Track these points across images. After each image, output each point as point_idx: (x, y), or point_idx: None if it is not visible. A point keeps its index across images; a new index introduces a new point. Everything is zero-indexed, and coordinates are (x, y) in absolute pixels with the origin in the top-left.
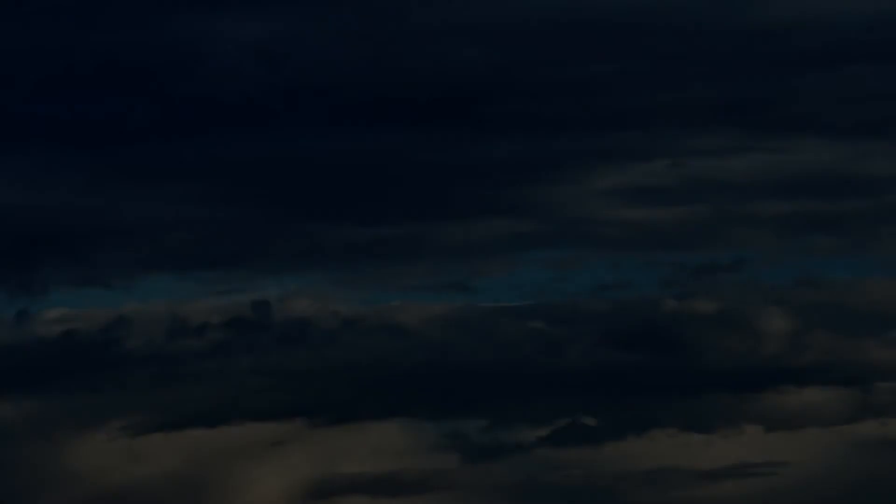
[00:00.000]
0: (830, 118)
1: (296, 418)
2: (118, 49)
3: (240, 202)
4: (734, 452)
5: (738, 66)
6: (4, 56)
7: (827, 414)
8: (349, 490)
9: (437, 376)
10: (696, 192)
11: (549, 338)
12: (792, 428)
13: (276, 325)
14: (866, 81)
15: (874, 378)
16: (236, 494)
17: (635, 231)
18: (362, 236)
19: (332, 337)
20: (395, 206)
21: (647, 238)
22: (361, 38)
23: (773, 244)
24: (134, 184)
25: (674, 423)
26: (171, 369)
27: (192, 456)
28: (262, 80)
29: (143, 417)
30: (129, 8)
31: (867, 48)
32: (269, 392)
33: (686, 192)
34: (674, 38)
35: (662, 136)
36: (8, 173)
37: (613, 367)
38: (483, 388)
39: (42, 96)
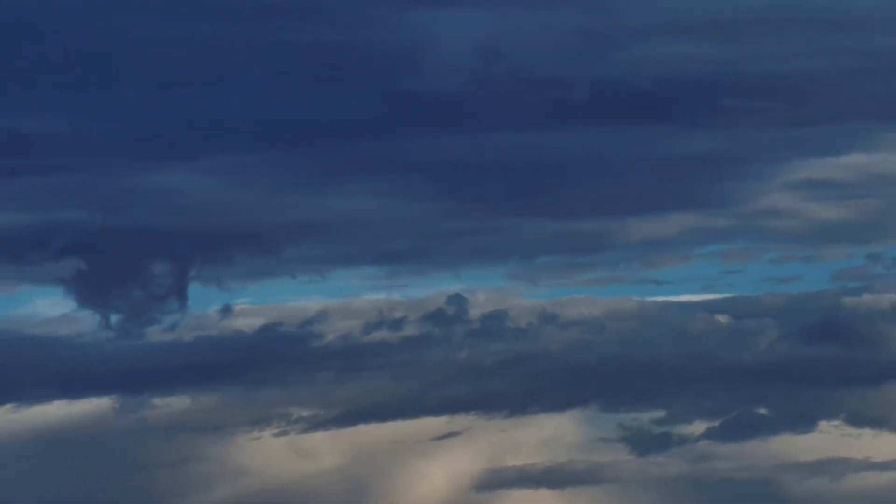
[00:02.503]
0: None
1: (470, 412)
2: (337, 46)
3: (430, 196)
4: None
5: None
6: (230, 55)
7: None
8: (516, 483)
9: (616, 369)
10: (877, 187)
11: (731, 331)
12: None
13: (468, 319)
14: None
15: None
16: (402, 488)
17: (815, 225)
18: (548, 230)
19: (518, 331)
20: (585, 201)
21: (827, 232)
22: (574, 35)
23: None
24: (340, 179)
25: (843, 414)
26: (359, 364)
27: (362, 450)
28: (479, 75)
29: (320, 412)
30: (349, 5)
31: None
32: (449, 386)
33: (867, 187)
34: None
35: (853, 131)
36: (218, 171)
37: (792, 360)
38: (660, 381)
39: (259, 95)
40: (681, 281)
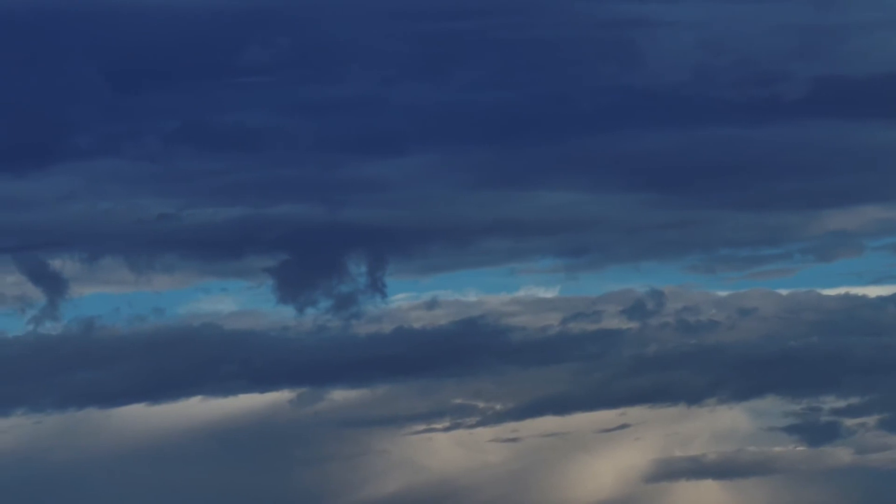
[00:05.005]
0: None
1: (645, 404)
2: (555, 43)
3: (627, 191)
4: None
5: None
6: (450, 53)
7: None
8: (686, 474)
9: (794, 361)
10: None
11: None
12: None
13: (654, 312)
14: None
15: None
16: (571, 480)
17: None
18: (731, 223)
19: (698, 323)
20: (774, 195)
21: None
22: (796, 30)
23: None
24: (544, 174)
25: None
26: (545, 357)
27: (533, 444)
28: (699, 70)
29: (497, 405)
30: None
31: None
32: (628, 379)
33: None
34: None
35: None
36: (426, 165)
37: None
38: (837, 372)
39: (475, 92)
40: (859, 273)
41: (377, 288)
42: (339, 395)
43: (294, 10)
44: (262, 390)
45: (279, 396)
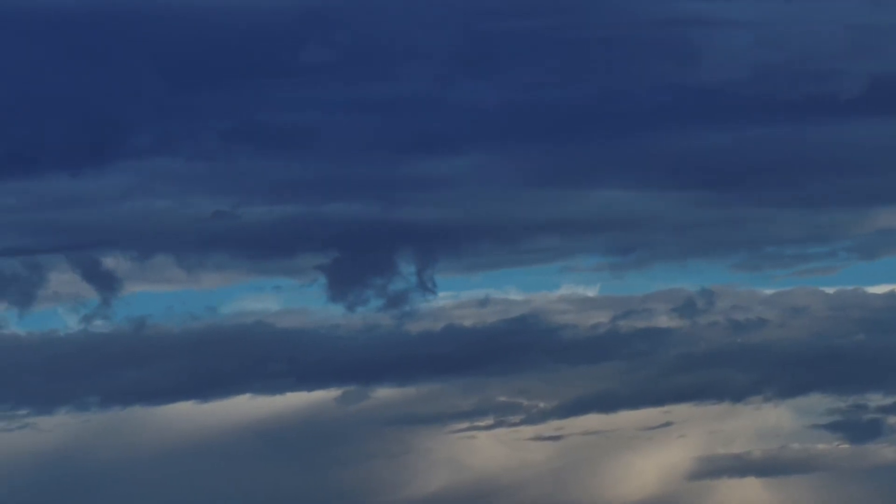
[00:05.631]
0: None
1: (689, 402)
2: (610, 40)
3: (677, 189)
4: None
5: None
6: (505, 51)
7: None
8: (729, 472)
9: (839, 359)
10: None
11: None
12: None
13: (702, 311)
14: None
15: None
16: (613, 478)
17: None
18: (777, 221)
19: (745, 321)
20: (822, 194)
21: None
22: (851, 28)
23: None
24: (595, 172)
25: None
26: (593, 355)
27: (576, 441)
28: (755, 68)
29: (542, 403)
30: None
31: None
32: (673, 377)
33: None
34: None
35: None
36: (479, 164)
37: None
38: (882, 370)
39: (530, 90)
40: None
41: (427, 286)
42: (384, 394)
43: (351, 8)
44: (310, 388)
45: (325, 395)
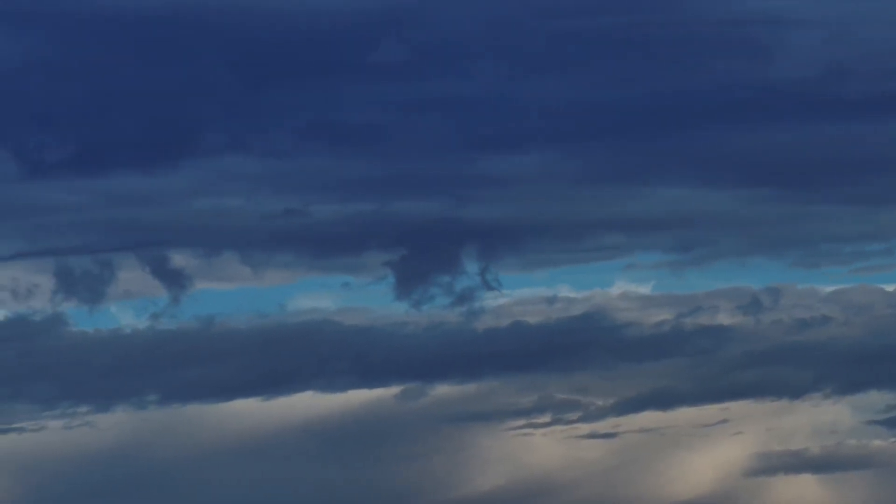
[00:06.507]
0: None
1: (747, 399)
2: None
3: (735, 186)
4: None
5: None
6: (577, 48)
7: None
8: (785, 468)
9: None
10: None
11: None
12: None
13: (773, 309)
14: None
15: None
16: (671, 473)
17: None
18: (835, 219)
19: (803, 319)
20: (880, 192)
21: None
22: None
23: None
24: (659, 168)
25: None
26: (655, 352)
27: (633, 439)
28: (828, 64)
29: (600, 401)
30: None
31: None
32: (731, 374)
33: None
34: None
35: None
36: (542, 161)
37: None
38: None
39: (596, 87)
40: None
41: (492, 283)
42: (443, 391)
43: (422, 8)
44: (372, 386)
45: (385, 392)
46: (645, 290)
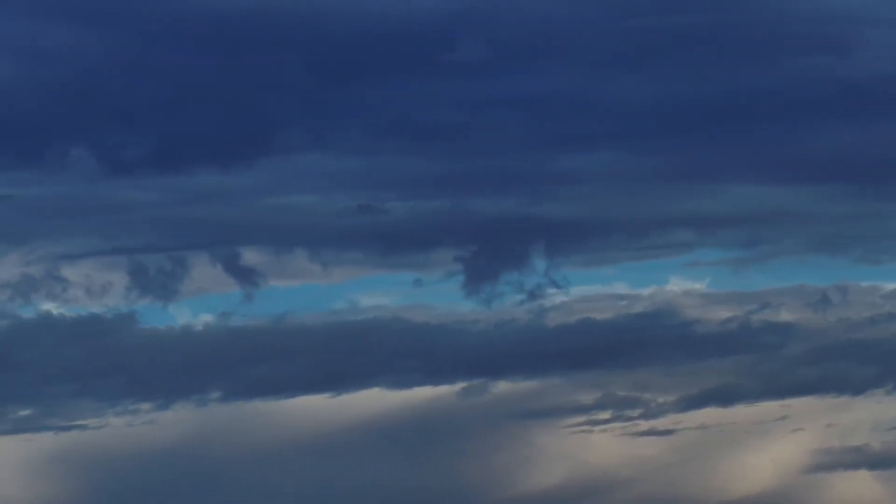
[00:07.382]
0: None
1: (808, 395)
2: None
3: (798, 183)
4: None
5: None
6: (646, 46)
7: None
8: (844, 465)
9: None
10: None
11: None
12: None
13: (838, 305)
14: None
15: None
16: (730, 469)
17: None
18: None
19: (877, 316)
20: None
21: None
22: None
23: None
24: (727, 167)
25: None
26: (721, 349)
27: (692, 436)
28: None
29: (661, 398)
30: None
31: None
32: (795, 370)
33: None
34: None
35: None
36: (611, 160)
37: None
38: None
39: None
40: None
41: (559, 282)
42: (506, 388)
43: (500, 7)
44: (437, 383)
45: (449, 389)
46: (700, 286)
